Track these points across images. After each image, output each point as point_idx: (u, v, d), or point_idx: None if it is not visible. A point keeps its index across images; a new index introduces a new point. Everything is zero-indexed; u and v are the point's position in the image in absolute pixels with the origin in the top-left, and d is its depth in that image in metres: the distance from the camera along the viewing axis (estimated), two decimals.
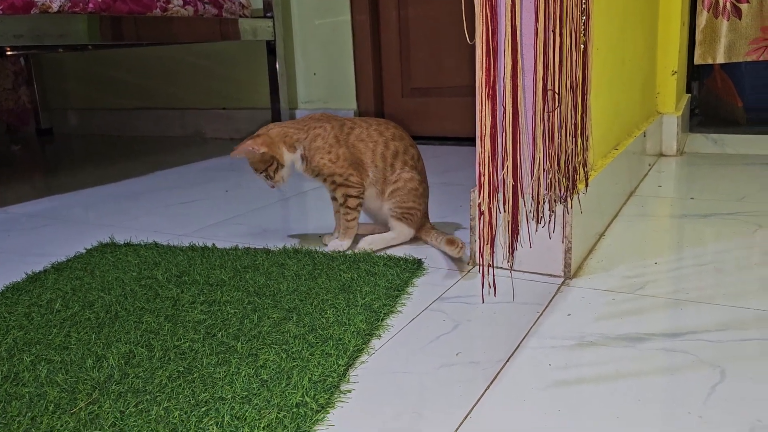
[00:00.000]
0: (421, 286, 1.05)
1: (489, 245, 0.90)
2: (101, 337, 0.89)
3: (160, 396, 0.73)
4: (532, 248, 1.06)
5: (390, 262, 1.12)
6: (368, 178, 1.21)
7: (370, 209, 1.27)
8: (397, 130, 1.23)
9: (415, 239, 1.25)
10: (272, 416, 0.68)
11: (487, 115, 0.85)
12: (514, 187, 0.90)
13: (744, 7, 1.95)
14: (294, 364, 0.79)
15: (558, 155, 0.96)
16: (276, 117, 2.65)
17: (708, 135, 2.08)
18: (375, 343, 0.86)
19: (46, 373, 0.80)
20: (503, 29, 0.85)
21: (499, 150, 0.88)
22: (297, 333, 0.87)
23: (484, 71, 0.84)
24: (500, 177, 0.89)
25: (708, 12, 2.00)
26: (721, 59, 2.01)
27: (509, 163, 0.88)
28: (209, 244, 1.28)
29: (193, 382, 0.76)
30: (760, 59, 1.98)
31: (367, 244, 1.21)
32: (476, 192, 1.07)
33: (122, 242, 1.33)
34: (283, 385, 0.74)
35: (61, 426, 0.69)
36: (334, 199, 1.25)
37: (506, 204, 0.91)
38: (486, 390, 0.74)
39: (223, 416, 0.69)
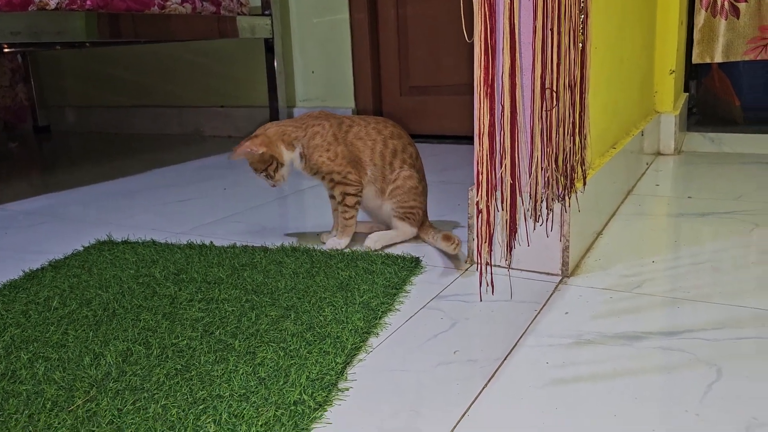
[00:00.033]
0: (419, 284, 1.05)
1: (487, 243, 0.90)
2: (99, 334, 0.89)
3: (157, 394, 0.73)
4: (529, 247, 1.06)
5: (388, 261, 1.12)
6: (366, 176, 1.21)
7: (369, 208, 1.27)
8: (395, 128, 1.23)
9: (414, 237, 1.26)
10: (270, 414, 0.68)
11: (485, 114, 0.85)
12: (512, 186, 0.90)
13: (742, 6, 1.96)
14: (292, 362, 0.79)
15: (556, 154, 0.97)
16: (274, 115, 2.65)
17: (705, 134, 2.08)
18: (373, 341, 0.86)
19: (44, 371, 0.80)
20: (502, 27, 0.85)
21: (498, 148, 0.88)
22: (295, 331, 0.87)
23: (482, 69, 0.84)
24: (498, 175, 0.89)
25: (706, 11, 2.00)
26: (719, 58, 2.01)
27: (507, 161, 0.88)
28: (207, 242, 1.28)
29: (191, 379, 0.76)
30: (758, 58, 1.98)
31: (373, 242, 1.21)
32: (474, 190, 1.08)
33: (120, 240, 1.33)
34: (280, 383, 0.74)
35: (59, 423, 0.69)
36: (332, 197, 1.25)
37: (504, 202, 0.91)
38: (483, 388, 0.74)
39: (220, 414, 0.69)
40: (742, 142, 2.02)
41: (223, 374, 0.77)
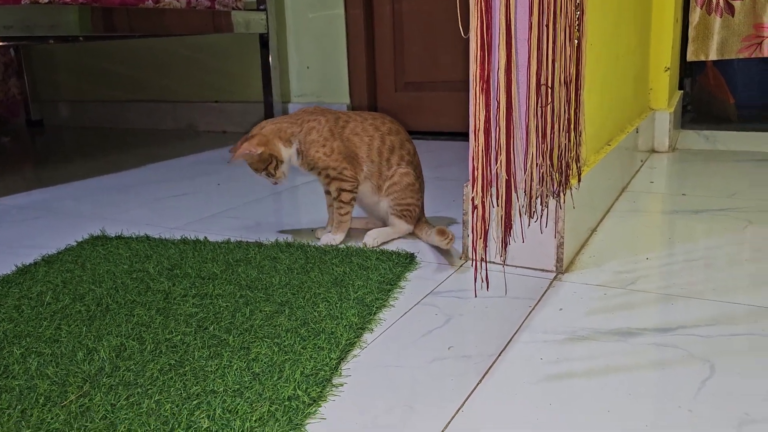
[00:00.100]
0: (414, 280, 1.05)
1: (482, 239, 0.90)
2: (92, 329, 0.89)
3: (151, 389, 0.73)
4: (524, 243, 1.06)
5: (382, 257, 1.12)
6: (363, 172, 1.21)
7: (365, 204, 1.27)
8: (393, 124, 1.23)
9: (410, 233, 1.26)
10: (264, 409, 0.68)
11: (481, 110, 0.85)
12: (508, 182, 0.90)
13: (737, 4, 1.96)
14: (286, 357, 0.79)
15: (551, 150, 0.97)
16: (269, 110, 2.64)
17: (700, 132, 2.09)
18: (367, 336, 0.86)
19: (37, 366, 0.80)
20: (498, 23, 0.85)
21: (493, 144, 0.88)
22: (289, 326, 0.87)
23: (478, 65, 0.84)
24: (494, 171, 0.89)
25: (701, 9, 2.00)
26: (713, 56, 2.02)
27: (503, 157, 0.88)
28: (201, 238, 1.28)
29: (185, 375, 0.76)
30: (753, 56, 1.99)
31: (372, 239, 1.21)
32: (470, 186, 1.07)
33: (113, 235, 1.32)
34: (275, 379, 0.74)
35: (52, 419, 0.69)
36: (327, 192, 1.25)
37: (499, 198, 0.91)
38: (478, 384, 0.74)
39: (214, 409, 0.69)
40: (736, 140, 2.03)
41: (217, 369, 0.77)
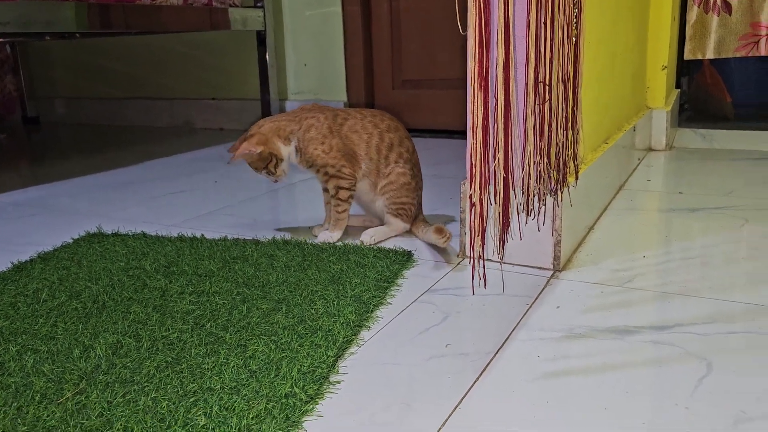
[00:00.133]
0: (411, 277, 1.05)
1: (480, 237, 0.90)
2: (88, 327, 0.89)
3: (148, 386, 0.73)
4: (521, 241, 1.06)
5: (380, 254, 1.12)
6: (361, 170, 1.21)
7: (363, 201, 1.26)
8: (392, 121, 1.23)
9: (407, 231, 1.25)
10: (261, 407, 0.68)
11: (479, 107, 0.85)
12: (505, 179, 0.90)
13: (734, 2, 1.96)
14: (283, 355, 0.79)
15: (548, 148, 0.97)
16: (266, 108, 2.63)
17: (697, 130, 2.09)
18: (364, 334, 0.86)
19: (33, 363, 0.79)
20: (496, 20, 0.85)
21: (491, 142, 0.88)
22: (286, 324, 0.87)
23: (476, 62, 0.84)
24: (492, 169, 0.89)
25: (698, 7, 2.00)
26: (710, 55, 2.02)
27: (501, 155, 0.88)
28: (198, 235, 1.28)
29: (182, 372, 0.76)
30: (750, 55, 1.99)
31: (369, 237, 1.20)
32: (467, 184, 1.07)
33: (110, 232, 1.32)
34: (272, 376, 0.74)
35: (48, 416, 0.68)
36: (325, 190, 1.25)
37: (497, 196, 0.91)
38: (475, 382, 0.74)
39: (211, 407, 0.68)
40: (732, 139, 2.03)
41: (213, 367, 0.77)
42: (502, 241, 0.99)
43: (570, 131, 1.03)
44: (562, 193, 1.02)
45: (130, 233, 1.30)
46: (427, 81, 2.51)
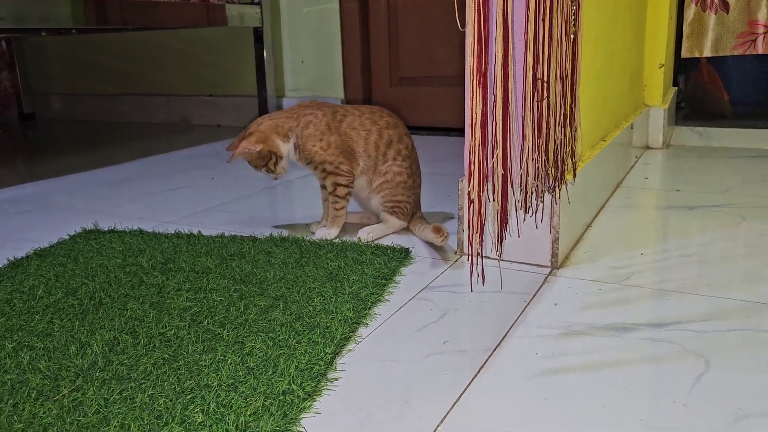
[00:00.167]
0: (409, 275, 1.05)
1: (478, 234, 0.90)
2: (85, 323, 0.88)
3: (144, 383, 0.73)
4: (519, 238, 1.06)
5: (377, 251, 1.12)
6: (359, 167, 1.20)
7: (360, 198, 1.26)
8: (391, 118, 1.22)
9: (404, 229, 1.25)
10: (258, 404, 0.68)
11: (478, 103, 0.84)
12: (504, 176, 0.90)
13: (732, 1, 1.96)
14: (281, 351, 0.79)
15: (547, 145, 0.96)
16: (263, 105, 2.63)
17: (694, 128, 2.09)
18: (362, 331, 0.86)
19: (29, 360, 0.79)
20: (495, 16, 0.85)
21: (489, 139, 0.88)
22: (284, 321, 0.87)
23: (475, 58, 0.83)
24: (490, 166, 0.89)
25: (696, 5, 2.00)
26: (708, 53, 2.02)
27: (499, 152, 0.87)
28: (195, 232, 1.27)
29: (179, 369, 0.76)
30: (747, 53, 1.99)
31: (366, 233, 1.20)
32: (466, 181, 1.07)
33: (106, 229, 1.31)
34: (269, 373, 0.74)
35: (44, 413, 0.68)
36: (323, 187, 1.25)
37: (495, 193, 0.91)
38: (473, 379, 0.74)
39: (208, 404, 0.68)
40: (729, 137, 2.04)
41: (211, 364, 0.76)
42: (501, 238, 0.99)
43: (568, 128, 1.03)
44: (560, 190, 1.02)
45: (126, 230, 1.30)
46: (424, 78, 2.51)
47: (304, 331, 0.84)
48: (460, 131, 2.40)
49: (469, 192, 0.89)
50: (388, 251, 1.12)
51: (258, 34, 2.57)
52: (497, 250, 1.06)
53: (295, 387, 0.71)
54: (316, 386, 0.72)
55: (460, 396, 0.71)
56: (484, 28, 0.82)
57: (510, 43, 0.86)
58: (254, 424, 0.65)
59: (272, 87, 2.63)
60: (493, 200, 0.92)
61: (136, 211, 1.50)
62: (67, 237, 1.28)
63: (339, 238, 1.21)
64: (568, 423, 0.65)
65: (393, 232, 1.24)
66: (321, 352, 0.78)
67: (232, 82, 2.83)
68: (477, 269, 1.01)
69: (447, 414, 0.67)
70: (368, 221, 1.29)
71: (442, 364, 0.77)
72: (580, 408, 0.68)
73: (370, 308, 0.92)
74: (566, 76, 0.99)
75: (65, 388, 0.73)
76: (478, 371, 0.75)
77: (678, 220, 1.30)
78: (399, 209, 1.21)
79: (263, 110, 2.65)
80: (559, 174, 1.02)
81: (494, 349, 0.80)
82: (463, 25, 0.84)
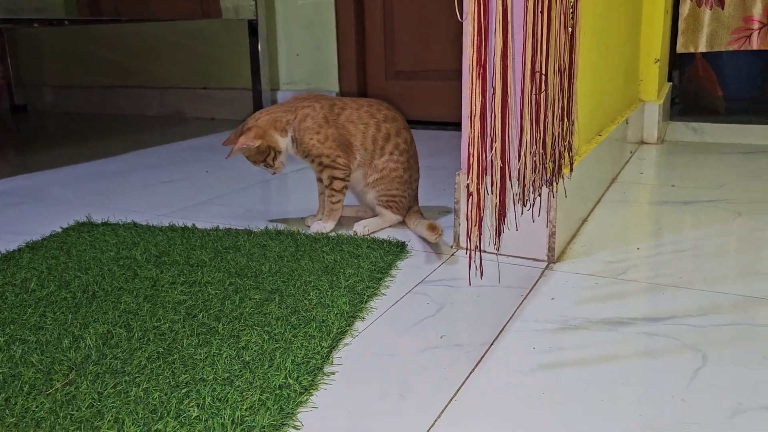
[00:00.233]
0: (405, 268, 1.04)
1: (477, 227, 0.89)
2: (78, 317, 0.87)
3: (139, 377, 0.72)
4: (516, 232, 1.05)
5: (373, 245, 1.11)
6: (356, 160, 1.19)
7: (357, 191, 1.25)
8: (390, 111, 1.21)
9: (400, 223, 1.25)
10: (255, 398, 0.67)
11: (477, 95, 0.84)
12: (502, 169, 0.90)
13: None
14: (276, 345, 0.78)
15: (544, 138, 0.96)
16: (257, 98, 2.61)
17: (688, 124, 2.09)
18: (359, 325, 0.85)
19: (21, 354, 0.78)
20: (494, 7, 0.84)
21: (488, 131, 0.88)
22: (279, 314, 0.86)
23: (474, 50, 0.83)
24: (488, 158, 0.88)
25: (691, 1, 2.00)
26: (703, 48, 2.02)
27: (498, 144, 0.87)
28: (189, 225, 1.26)
29: (173, 363, 0.75)
30: (742, 49, 1.99)
31: (362, 227, 1.20)
32: (463, 174, 1.07)
33: (100, 221, 1.30)
34: (265, 367, 0.73)
35: (37, 407, 0.67)
36: (319, 180, 1.24)
37: (494, 186, 0.91)
38: (471, 373, 0.73)
39: (204, 398, 0.68)
40: (724, 132, 2.04)
41: (206, 358, 0.76)
42: (499, 232, 0.98)
43: (566, 122, 1.03)
44: (557, 184, 1.02)
45: (120, 223, 1.29)
46: (420, 72, 2.50)
47: (300, 324, 0.83)
48: (455, 125, 2.39)
49: (468, 185, 0.88)
50: (384, 245, 1.11)
51: (253, 27, 2.55)
52: (495, 244, 1.06)
53: (291, 381, 0.71)
54: (312, 380, 0.71)
55: (458, 390, 0.70)
56: (484, 19, 0.81)
57: (509, 35, 0.85)
58: (250, 418, 0.64)
59: (267, 80, 2.61)
60: (492, 193, 0.92)
61: (130, 203, 1.49)
62: (59, 230, 1.27)
63: (335, 231, 1.21)
64: (567, 418, 0.65)
65: (389, 226, 1.24)
66: (317, 346, 0.78)
67: (226, 75, 2.81)
68: (475, 263, 1.00)
69: (445, 408, 0.67)
70: (364, 215, 1.29)
71: (439, 358, 0.77)
72: (579, 403, 0.67)
73: (366, 302, 0.91)
74: (564, 69, 0.99)
75: (58, 381, 0.72)
76: (476, 365, 0.75)
77: (673, 215, 1.31)
78: (394, 203, 1.21)
79: (258, 103, 2.63)
80: (556, 168, 1.02)
81: (491, 344, 0.80)
82: (462, 16, 0.83)
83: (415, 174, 1.24)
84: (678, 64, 2.39)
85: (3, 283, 1.00)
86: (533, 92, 0.91)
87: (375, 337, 0.82)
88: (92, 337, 0.81)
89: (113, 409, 0.66)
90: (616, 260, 1.06)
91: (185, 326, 0.84)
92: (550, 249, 1.04)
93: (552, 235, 1.04)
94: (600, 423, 0.64)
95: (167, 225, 1.26)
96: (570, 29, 1.00)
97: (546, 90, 0.93)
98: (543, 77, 0.92)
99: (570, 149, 1.07)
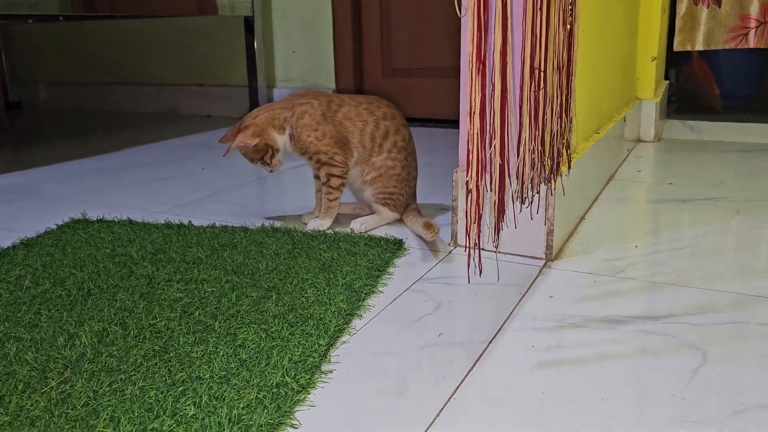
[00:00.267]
0: (403, 266, 1.04)
1: (476, 224, 0.89)
2: (73, 314, 0.87)
3: (135, 375, 0.71)
4: (515, 230, 1.05)
5: (371, 242, 1.11)
6: (353, 158, 1.19)
7: (354, 188, 1.25)
8: (389, 109, 1.20)
9: (398, 220, 1.24)
10: (252, 396, 0.67)
11: (476, 92, 0.83)
12: (501, 167, 0.89)
13: None
14: (274, 343, 0.77)
15: (543, 136, 0.96)
16: (253, 95, 2.60)
17: (685, 122, 2.09)
18: (356, 323, 0.85)
19: (15, 351, 0.77)
20: (494, 3, 0.84)
21: (488, 128, 0.87)
22: (276, 312, 0.86)
23: (474, 46, 0.82)
24: (488, 156, 0.88)
25: None
26: (700, 46, 2.02)
27: (497, 141, 0.86)
28: (185, 222, 1.25)
29: (170, 361, 0.74)
30: (738, 47, 1.99)
31: (360, 225, 1.19)
32: (462, 172, 1.06)
33: (95, 218, 1.29)
34: (262, 365, 0.73)
35: (31, 405, 0.66)
36: (317, 177, 1.23)
37: (493, 183, 0.90)
38: (469, 371, 0.73)
39: (200, 396, 0.67)
40: (720, 131, 2.04)
41: (202, 356, 0.75)
42: (498, 229, 0.98)
43: (564, 119, 1.02)
44: (555, 181, 1.02)
45: (115, 220, 1.28)
46: (417, 70, 2.49)
47: (298, 322, 0.83)
48: (452, 123, 2.39)
49: (467, 182, 0.88)
50: (382, 242, 1.11)
51: (249, 24, 2.54)
52: (494, 241, 1.06)
53: (288, 379, 0.70)
54: (310, 378, 0.71)
55: (456, 388, 0.70)
56: (484, 14, 0.81)
57: (509, 31, 0.85)
58: (247, 417, 0.64)
59: (263, 77, 2.60)
60: (491, 190, 0.91)
61: (126, 200, 1.48)
62: (54, 227, 1.26)
63: (332, 229, 1.20)
64: (566, 416, 0.65)
65: (386, 224, 1.23)
66: (315, 344, 0.77)
67: (222, 72, 2.80)
68: (474, 260, 1.00)
69: (443, 406, 0.67)
70: (361, 212, 1.28)
71: (437, 357, 0.76)
72: (578, 401, 0.67)
73: (363, 300, 0.91)
74: (563, 67, 0.98)
75: (53, 380, 0.71)
76: (474, 364, 0.75)
77: (671, 213, 1.30)
78: (391, 200, 1.20)
79: (254, 100, 2.62)
80: (554, 165, 1.02)
81: (490, 342, 0.80)
82: (461, 11, 0.83)
83: (413, 172, 1.23)
84: (675, 62, 2.39)
85: None
86: (532, 89, 0.91)
87: (373, 335, 0.82)
88: (87, 335, 0.81)
89: (109, 408, 0.66)
90: (614, 258, 1.05)
91: (181, 324, 0.83)
92: (548, 247, 1.04)
93: (550, 232, 1.03)
94: (601, 422, 0.64)
95: (163, 222, 1.25)
96: (569, 26, 0.99)
97: (545, 87, 0.93)
98: (542, 74, 0.91)
99: (568, 147, 1.07)
